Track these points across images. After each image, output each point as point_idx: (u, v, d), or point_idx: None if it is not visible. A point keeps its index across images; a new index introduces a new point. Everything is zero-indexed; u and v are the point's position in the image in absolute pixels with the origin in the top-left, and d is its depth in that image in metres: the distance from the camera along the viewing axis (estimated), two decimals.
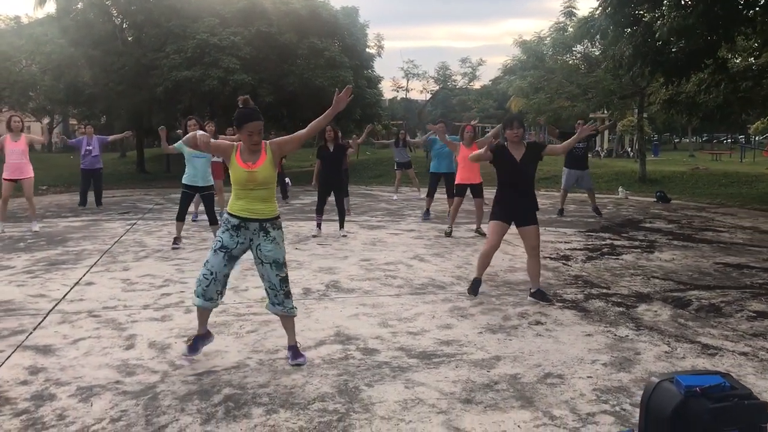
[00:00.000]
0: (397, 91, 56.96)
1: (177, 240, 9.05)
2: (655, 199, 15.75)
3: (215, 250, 4.45)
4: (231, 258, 4.48)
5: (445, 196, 11.64)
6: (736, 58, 11.81)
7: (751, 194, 16.95)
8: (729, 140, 62.44)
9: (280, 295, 4.49)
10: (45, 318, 5.57)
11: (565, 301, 6.13)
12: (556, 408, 3.75)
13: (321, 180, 9.99)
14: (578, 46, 19.31)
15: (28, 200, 10.62)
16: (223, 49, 19.57)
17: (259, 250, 4.45)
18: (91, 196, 14.25)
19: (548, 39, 20.44)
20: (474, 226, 10.45)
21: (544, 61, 19.25)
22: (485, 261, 6.38)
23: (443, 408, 3.75)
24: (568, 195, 13.35)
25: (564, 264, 7.92)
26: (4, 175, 10.45)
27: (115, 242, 9.36)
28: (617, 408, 3.75)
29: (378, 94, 24.75)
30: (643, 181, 19.59)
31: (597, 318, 5.57)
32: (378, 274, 7.26)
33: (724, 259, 8.18)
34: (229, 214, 4.48)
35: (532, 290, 6.25)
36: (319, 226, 10.00)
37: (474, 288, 6.32)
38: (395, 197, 16.25)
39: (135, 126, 22.77)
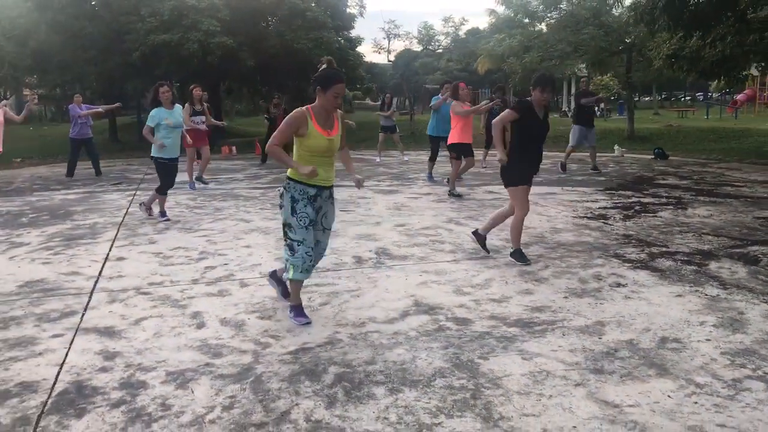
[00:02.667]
0: (379, 53, 56.23)
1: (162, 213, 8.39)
2: (653, 156, 15.68)
3: (306, 227, 4.30)
4: (316, 227, 4.41)
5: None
6: (750, 11, 11.57)
7: (743, 149, 17.04)
8: (687, 98, 63.10)
9: (319, 260, 4.65)
10: (91, 297, 5.16)
11: (633, 261, 5.92)
12: (696, 375, 3.53)
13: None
14: (564, 2, 18.98)
15: None
16: (202, 10, 18.75)
17: (325, 217, 4.46)
18: (80, 167, 13.67)
19: None
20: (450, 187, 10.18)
21: (535, 18, 18.89)
22: (520, 229, 5.97)
23: (577, 380, 3.50)
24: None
25: (605, 223, 7.72)
26: None
27: (125, 215, 8.86)
28: (760, 372, 3.55)
29: (359, 56, 24.12)
30: (632, 138, 19.58)
31: (675, 278, 5.37)
32: (422, 240, 6.95)
33: (761, 214, 8.07)
34: (304, 184, 4.28)
35: (481, 231, 6.24)
36: None
37: (521, 258, 5.91)
38: (378, 159, 15.98)
39: (106, 94, 21.90)
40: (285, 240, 4.35)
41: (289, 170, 4.29)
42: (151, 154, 8.36)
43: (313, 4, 21.48)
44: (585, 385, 3.43)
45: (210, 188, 11.44)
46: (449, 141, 9.94)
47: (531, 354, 3.86)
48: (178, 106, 8.37)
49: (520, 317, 4.50)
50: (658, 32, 12.53)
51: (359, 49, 24.51)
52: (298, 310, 4.45)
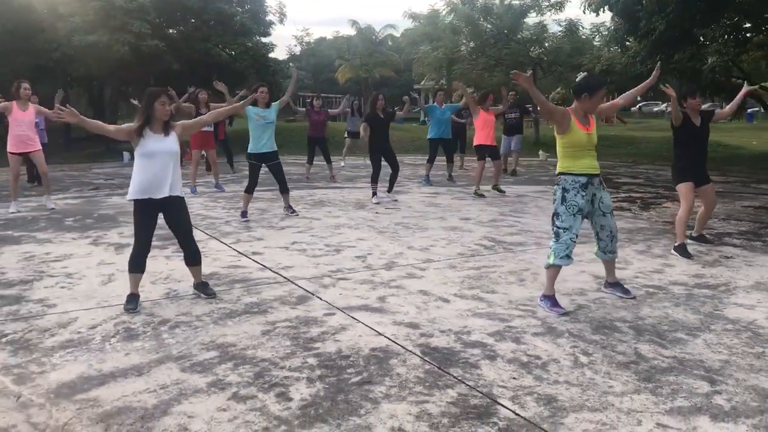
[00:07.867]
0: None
1: (244, 213, 8.65)
2: None
3: (573, 215, 4.85)
4: (595, 213, 5.00)
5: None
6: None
7: (640, 153, 19.76)
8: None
9: (614, 242, 5.10)
10: (296, 284, 5.51)
11: (701, 244, 7.11)
12: None
13: (374, 147, 10.12)
14: (482, 20, 20.65)
15: (42, 175, 9.72)
16: (131, 12, 18.27)
17: (602, 202, 5.00)
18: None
19: (444, 11, 21.65)
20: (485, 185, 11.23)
21: (459, 33, 20.36)
22: (686, 223, 6.68)
23: None
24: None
25: (634, 214, 9.00)
26: (10, 149, 9.45)
27: None
28: None
29: (278, 63, 24.43)
30: (537, 143, 21.65)
31: (760, 251, 6.68)
32: (505, 230, 7.81)
33: (742, 203, 9.79)
34: (574, 174, 4.90)
35: (694, 234, 7.06)
36: (375, 194, 10.12)
37: (685, 252, 6.49)
38: (342, 164, 16.62)
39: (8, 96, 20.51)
40: (552, 228, 5.01)
41: (558, 166, 5.02)
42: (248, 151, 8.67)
43: (239, 9, 21.57)
44: None
45: (218, 192, 11.48)
46: (475, 143, 10.86)
47: (747, 305, 4.90)
48: (274, 105, 8.66)
49: (697, 282, 5.53)
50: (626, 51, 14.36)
51: (271, 55, 24.76)
52: (553, 300, 4.92)
